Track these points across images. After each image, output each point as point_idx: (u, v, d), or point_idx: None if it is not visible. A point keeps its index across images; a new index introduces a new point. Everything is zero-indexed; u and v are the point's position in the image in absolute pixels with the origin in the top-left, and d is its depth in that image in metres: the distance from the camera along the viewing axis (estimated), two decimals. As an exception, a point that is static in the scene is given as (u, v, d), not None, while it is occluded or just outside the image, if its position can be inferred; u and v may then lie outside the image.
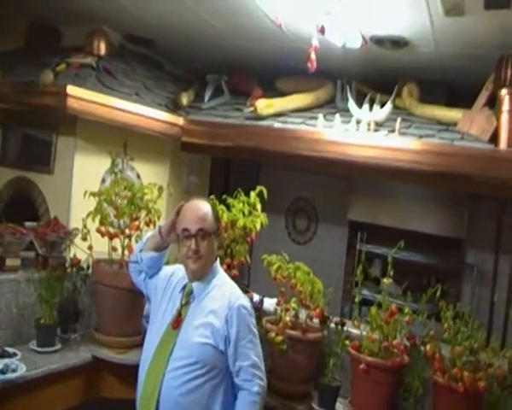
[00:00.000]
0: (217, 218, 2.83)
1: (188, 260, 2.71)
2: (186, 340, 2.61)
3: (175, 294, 2.80)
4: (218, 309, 2.64)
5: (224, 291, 2.72)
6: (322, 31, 3.50)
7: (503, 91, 4.00)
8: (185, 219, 2.75)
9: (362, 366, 3.27)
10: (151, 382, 2.62)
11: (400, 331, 3.36)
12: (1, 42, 5.05)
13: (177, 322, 2.67)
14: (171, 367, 2.59)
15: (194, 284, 2.73)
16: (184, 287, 2.77)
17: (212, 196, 3.71)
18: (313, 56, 3.54)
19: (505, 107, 3.99)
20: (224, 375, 2.63)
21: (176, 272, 2.92)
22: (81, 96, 4.09)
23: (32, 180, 4.53)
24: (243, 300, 2.72)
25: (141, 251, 3.01)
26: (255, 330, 2.71)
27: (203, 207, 2.78)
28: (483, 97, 4.23)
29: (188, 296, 2.72)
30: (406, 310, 3.34)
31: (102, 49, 4.76)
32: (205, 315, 2.64)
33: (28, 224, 3.93)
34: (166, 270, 3.00)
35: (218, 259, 2.89)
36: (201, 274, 2.72)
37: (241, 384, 2.61)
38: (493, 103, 4.15)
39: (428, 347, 3.24)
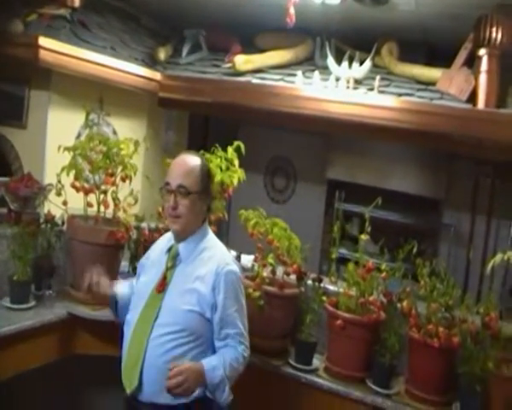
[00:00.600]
0: (206, 176, 2.59)
1: (168, 218, 2.56)
2: (171, 306, 2.47)
3: (161, 256, 2.64)
4: (205, 275, 2.48)
5: (212, 255, 2.55)
6: (301, -18, 3.44)
7: (482, 51, 4.00)
8: (169, 172, 2.56)
9: (339, 322, 3.28)
10: (135, 349, 2.48)
11: (377, 288, 3.38)
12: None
13: (162, 285, 2.51)
14: (155, 334, 2.45)
15: (181, 246, 2.56)
16: (170, 249, 2.61)
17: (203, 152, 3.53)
18: (292, 11, 3.49)
19: (483, 67, 4.00)
20: (211, 343, 2.50)
21: (161, 239, 2.82)
22: (54, 49, 3.98)
23: (4, 135, 4.42)
24: (232, 265, 2.55)
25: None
26: (243, 298, 2.58)
27: (190, 161, 2.57)
28: (462, 57, 4.23)
29: (174, 259, 2.56)
30: (383, 266, 3.35)
31: (76, 0, 4.61)
32: (191, 281, 2.48)
33: (0, 179, 3.85)
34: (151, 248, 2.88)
35: (207, 220, 2.70)
36: (184, 234, 2.56)
37: (227, 344, 2.51)
38: (472, 63, 4.15)
39: (405, 303, 3.26)
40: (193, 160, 2.58)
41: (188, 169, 2.53)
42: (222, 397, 2.42)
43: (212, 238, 2.65)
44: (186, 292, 2.47)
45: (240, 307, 2.54)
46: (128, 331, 2.57)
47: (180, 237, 2.58)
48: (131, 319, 2.57)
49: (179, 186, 2.48)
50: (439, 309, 3.17)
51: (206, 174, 2.58)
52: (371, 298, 3.33)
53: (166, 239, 2.72)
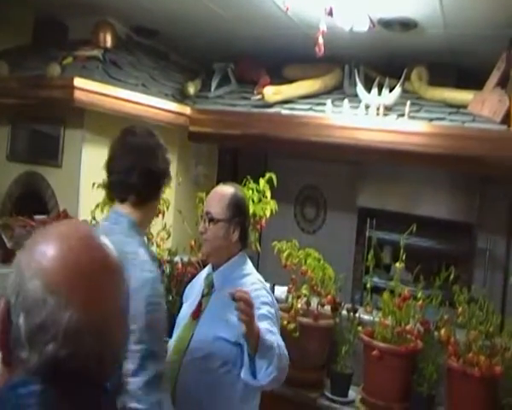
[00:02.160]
0: (237, 205, 2.63)
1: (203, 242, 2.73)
2: (203, 333, 2.51)
3: (200, 284, 2.72)
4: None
5: (245, 282, 2.56)
6: (330, 13, 3.46)
7: (516, 71, 3.95)
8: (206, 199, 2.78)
9: (375, 352, 3.23)
10: (171, 373, 2.50)
11: (413, 316, 3.32)
12: (9, 38, 5.05)
13: (197, 312, 2.58)
14: (187, 359, 2.49)
15: (216, 274, 2.63)
16: (208, 276, 2.69)
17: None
18: (321, 41, 3.51)
19: (518, 87, 3.94)
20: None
21: (205, 269, 2.86)
22: (88, 88, 4.10)
23: (40, 174, 4.54)
24: (262, 292, 2.53)
25: None
26: (276, 322, 2.50)
27: (221, 190, 2.69)
28: (494, 77, 4.16)
29: (209, 286, 2.63)
30: (419, 294, 3.30)
31: (108, 41, 4.74)
32: (222, 307, 2.47)
33: (38, 217, 3.93)
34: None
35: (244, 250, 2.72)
36: (213, 259, 2.65)
37: None
38: (505, 83, 4.08)
39: (443, 331, 3.19)
40: (225, 189, 2.70)
41: (217, 198, 2.65)
42: (264, 373, 2.22)
43: (248, 267, 2.68)
44: (217, 319, 2.49)
45: (272, 323, 2.42)
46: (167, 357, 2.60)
47: (213, 263, 2.66)
48: (170, 344, 2.64)
49: (206, 213, 2.61)
50: (479, 337, 3.10)
51: (236, 203, 2.63)
52: (408, 327, 3.28)
53: (208, 268, 2.77)
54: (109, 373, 1.07)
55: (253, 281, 2.57)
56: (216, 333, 2.46)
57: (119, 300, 1.06)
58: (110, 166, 2.37)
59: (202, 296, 2.62)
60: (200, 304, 2.59)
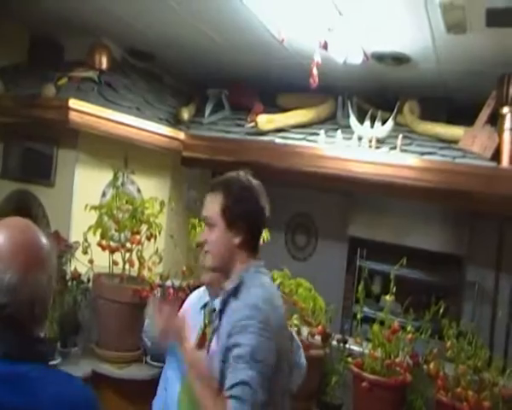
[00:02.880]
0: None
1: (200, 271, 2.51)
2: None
3: (195, 313, 2.55)
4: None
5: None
6: (325, 47, 3.51)
7: (505, 109, 4.02)
8: None
9: (364, 383, 3.24)
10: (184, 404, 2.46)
11: (403, 349, 3.34)
12: (5, 56, 5.04)
13: (202, 343, 2.47)
14: None
15: (216, 302, 2.45)
16: (205, 305, 2.53)
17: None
18: (315, 72, 3.56)
19: (507, 124, 4.01)
20: None
21: (190, 298, 2.76)
22: (83, 110, 4.10)
23: (32, 193, 4.52)
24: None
25: None
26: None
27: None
28: (485, 115, 4.24)
29: (210, 315, 2.49)
30: (409, 328, 3.33)
31: (104, 62, 4.75)
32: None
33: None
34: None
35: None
36: (214, 289, 2.47)
37: None
38: (495, 121, 4.17)
39: (432, 365, 3.22)
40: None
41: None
42: None
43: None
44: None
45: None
46: (170, 388, 2.54)
47: (211, 291, 2.53)
48: (172, 376, 2.55)
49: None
50: (467, 372, 3.13)
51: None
52: (397, 360, 3.30)
53: (198, 295, 2.70)
54: (39, 322, 1.55)
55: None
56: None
57: (47, 267, 1.54)
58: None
59: (205, 326, 2.49)
60: (203, 334, 2.47)
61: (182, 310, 2.81)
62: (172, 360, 2.61)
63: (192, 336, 2.56)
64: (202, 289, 2.70)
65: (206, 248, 2.22)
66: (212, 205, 2.21)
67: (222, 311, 2.20)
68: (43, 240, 1.57)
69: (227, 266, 2.23)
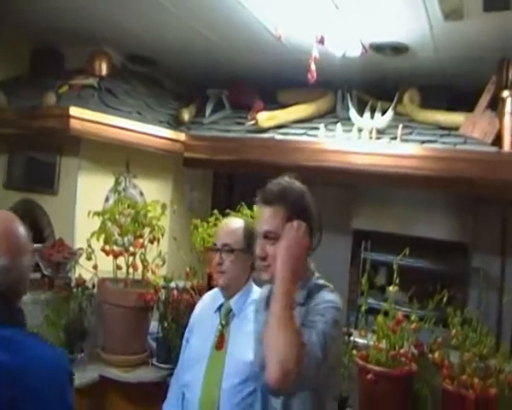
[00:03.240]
0: (249, 236, 2.69)
1: (215, 274, 2.76)
2: (236, 359, 2.61)
3: (209, 315, 2.79)
4: None
5: None
6: (321, 41, 3.50)
7: (505, 93, 3.98)
8: (217, 233, 2.88)
9: (370, 375, 3.22)
10: (208, 406, 2.62)
11: (407, 339, 3.31)
12: (6, 69, 5.10)
13: (222, 343, 2.67)
14: (226, 387, 2.59)
15: (233, 302, 2.73)
16: (220, 307, 2.77)
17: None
18: (313, 67, 3.56)
19: (508, 108, 3.97)
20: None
21: (202, 301, 2.95)
22: (84, 117, 4.12)
23: (36, 202, 4.55)
24: None
25: None
26: None
27: (234, 223, 2.86)
28: (485, 100, 4.20)
29: (227, 316, 2.73)
30: (413, 317, 3.31)
31: (104, 69, 4.79)
32: (247, 331, 2.55)
33: (34, 246, 3.94)
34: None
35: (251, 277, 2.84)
36: (230, 290, 2.73)
37: None
38: (495, 106, 4.13)
39: (437, 354, 3.19)
40: (236, 221, 2.87)
41: (231, 230, 2.78)
42: None
43: (257, 292, 2.71)
44: (245, 344, 2.52)
45: None
46: (191, 391, 2.69)
47: (227, 292, 2.74)
48: (193, 379, 2.69)
49: (224, 245, 2.71)
50: (473, 359, 3.10)
51: (249, 234, 2.73)
52: (402, 350, 3.27)
53: (211, 298, 2.87)
54: (20, 296, 1.87)
55: None
56: (248, 357, 2.43)
57: (27, 251, 1.87)
58: None
59: (222, 327, 2.70)
60: (221, 335, 2.68)
61: (195, 313, 2.89)
62: (193, 364, 2.68)
63: (207, 338, 2.66)
64: (214, 291, 2.80)
65: (267, 262, 2.16)
66: (274, 219, 2.16)
67: None
68: (23, 228, 1.89)
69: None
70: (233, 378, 2.59)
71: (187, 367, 2.79)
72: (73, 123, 4.06)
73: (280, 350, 1.79)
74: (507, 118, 3.98)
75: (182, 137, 5.02)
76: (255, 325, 2.37)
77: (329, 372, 2.02)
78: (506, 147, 3.95)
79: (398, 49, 4.18)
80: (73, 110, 4.05)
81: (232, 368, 2.60)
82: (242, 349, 2.57)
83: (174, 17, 4.02)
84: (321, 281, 2.23)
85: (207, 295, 2.99)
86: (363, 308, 3.55)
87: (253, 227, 2.73)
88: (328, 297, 2.09)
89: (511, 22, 3.50)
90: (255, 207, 3.71)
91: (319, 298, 2.08)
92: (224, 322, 2.72)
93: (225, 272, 2.71)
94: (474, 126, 4.19)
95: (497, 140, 4.03)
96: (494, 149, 4.02)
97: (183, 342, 2.97)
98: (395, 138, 4.34)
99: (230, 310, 2.74)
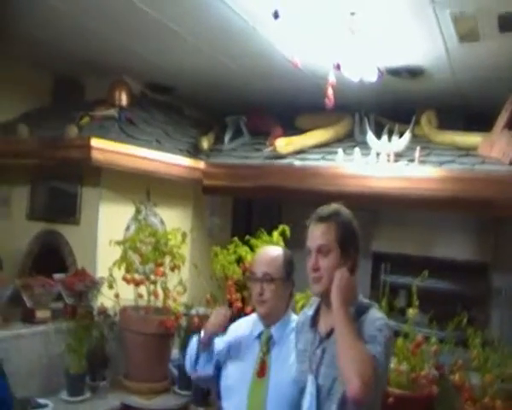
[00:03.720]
0: (289, 264, 2.76)
1: (255, 303, 2.74)
2: (279, 386, 2.61)
3: (248, 341, 2.78)
4: None
5: None
6: (338, 68, 3.53)
7: (523, 111, 3.98)
8: (254, 262, 2.83)
9: (390, 399, 3.20)
10: None
11: (428, 361, 3.30)
12: (29, 101, 5.22)
13: (263, 370, 2.67)
14: None
15: (274, 331, 2.72)
16: (260, 334, 2.76)
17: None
18: (330, 92, 3.58)
19: (526, 128, 3.98)
20: None
21: (238, 326, 2.92)
22: (104, 148, 4.18)
23: (59, 232, 4.61)
24: None
25: (194, 369, 2.83)
26: None
27: (273, 251, 2.82)
28: (502, 119, 4.21)
29: (268, 343, 2.72)
30: (433, 340, 3.29)
31: (124, 99, 4.88)
32: (289, 357, 2.62)
33: (56, 276, 4.00)
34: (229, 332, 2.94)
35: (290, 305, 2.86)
36: (270, 319, 2.72)
37: None
38: (514, 125, 4.12)
39: (457, 376, 3.17)
40: (275, 250, 2.84)
41: (271, 258, 2.74)
42: None
43: (295, 319, 2.75)
44: (288, 369, 2.58)
45: None
46: (237, 394, 2.69)
47: (267, 321, 2.72)
48: (235, 406, 2.70)
49: (264, 274, 2.68)
50: (494, 381, 3.08)
51: (288, 262, 2.75)
52: (423, 373, 3.25)
53: (247, 325, 2.84)
54: None
55: None
56: (291, 384, 2.52)
57: None
58: None
59: (263, 354, 2.69)
60: (263, 362, 2.67)
61: (229, 338, 2.87)
62: (233, 391, 2.69)
63: (247, 365, 2.67)
64: (251, 318, 2.81)
65: (318, 274, 2.30)
66: (327, 234, 2.31)
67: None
68: None
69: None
70: (277, 405, 2.59)
71: (226, 393, 2.79)
72: (95, 153, 4.12)
73: (357, 365, 1.97)
74: (525, 137, 3.98)
75: (201, 164, 5.07)
76: (298, 344, 2.48)
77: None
78: (525, 167, 3.95)
79: (414, 72, 4.21)
80: (95, 141, 4.11)
81: (275, 395, 2.61)
82: (285, 376, 2.59)
83: (192, 46, 4.10)
84: (366, 300, 2.36)
85: (243, 321, 2.96)
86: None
87: (291, 255, 2.83)
88: (380, 315, 2.26)
89: (527, 41, 3.52)
90: (274, 234, 3.76)
91: (371, 315, 2.23)
92: (265, 349, 2.72)
93: (266, 302, 2.68)
94: (491, 147, 4.18)
95: (516, 159, 4.01)
96: (512, 168, 4.00)
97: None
98: (413, 161, 4.34)
99: (271, 337, 2.73)
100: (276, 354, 2.69)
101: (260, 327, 2.76)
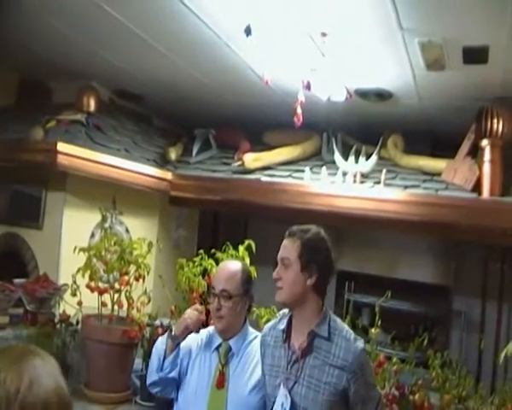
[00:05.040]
0: (247, 280, 2.79)
1: (213, 318, 2.77)
2: (237, 397, 2.64)
3: (205, 353, 2.80)
4: (258, 361, 2.67)
5: (257, 345, 2.72)
6: (308, 87, 3.58)
7: (484, 142, 4.11)
8: (215, 277, 2.85)
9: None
10: None
11: (389, 381, 3.35)
12: (-7, 100, 5.14)
13: (222, 382, 2.68)
14: None
15: (232, 343, 2.75)
16: (218, 346, 2.78)
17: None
18: (299, 111, 3.62)
19: (486, 157, 4.11)
20: None
21: (199, 336, 2.91)
22: (71, 153, 4.15)
23: (21, 236, 4.56)
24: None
25: (160, 370, 2.80)
26: None
27: (232, 267, 2.83)
28: (465, 147, 4.33)
29: (226, 355, 2.74)
30: (394, 360, 3.35)
31: (92, 105, 4.82)
32: (250, 371, 2.68)
33: (17, 281, 3.94)
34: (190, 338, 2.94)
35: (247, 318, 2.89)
36: (227, 333, 2.75)
37: None
38: (475, 153, 4.25)
39: (417, 396, 3.23)
40: (234, 265, 2.84)
41: (229, 274, 2.75)
42: None
43: (252, 333, 2.83)
44: (246, 379, 2.65)
45: None
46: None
47: (225, 335, 2.75)
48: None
49: (222, 290, 2.69)
50: (452, 401, 3.16)
51: (246, 278, 2.78)
52: (383, 392, 3.30)
53: (208, 335, 2.85)
54: None
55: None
56: (251, 391, 2.63)
57: None
58: None
59: (222, 366, 2.71)
60: (221, 374, 2.69)
61: (192, 345, 2.88)
62: (192, 401, 2.71)
63: (204, 376, 2.68)
64: (209, 331, 2.83)
65: (279, 284, 2.41)
66: (290, 248, 2.42)
67: (309, 348, 2.35)
68: None
69: (297, 302, 2.41)
70: None
71: (185, 404, 2.78)
72: (61, 158, 4.08)
73: None
74: (486, 166, 4.11)
75: (168, 175, 5.07)
76: (267, 359, 2.50)
77: None
78: (485, 194, 4.07)
79: (382, 96, 4.30)
80: (61, 146, 4.08)
81: (234, 406, 2.64)
82: (243, 388, 2.64)
83: (163, 57, 4.11)
84: (338, 318, 2.47)
85: (205, 332, 2.96)
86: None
87: (249, 271, 2.89)
88: (358, 346, 2.31)
89: (489, 75, 3.66)
90: (240, 248, 3.78)
91: (350, 347, 2.29)
92: (223, 361, 2.74)
93: (223, 317, 2.71)
94: (455, 173, 4.30)
95: (477, 187, 4.14)
96: (474, 195, 4.13)
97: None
98: (379, 183, 4.42)
99: (230, 350, 2.76)
100: (234, 365, 2.72)
101: (218, 339, 2.79)
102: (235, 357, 2.73)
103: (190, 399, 2.74)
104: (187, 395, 2.77)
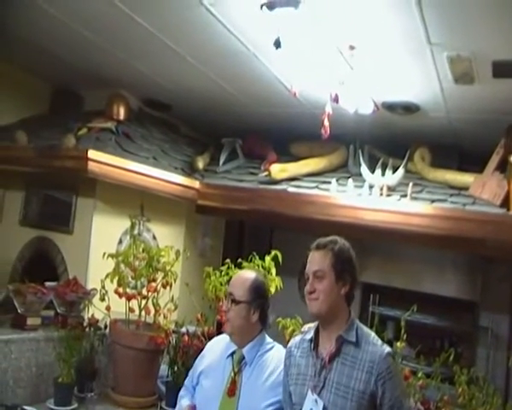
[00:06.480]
0: (257, 289, 2.86)
1: (224, 320, 2.91)
2: (250, 406, 2.68)
3: (221, 361, 2.86)
4: (274, 370, 2.74)
5: (273, 355, 2.81)
6: (336, 100, 3.60)
7: (513, 157, 4.08)
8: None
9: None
10: None
11: (414, 396, 3.34)
12: (27, 108, 5.25)
13: (233, 389, 2.73)
14: None
15: (245, 351, 2.80)
16: (233, 354, 2.83)
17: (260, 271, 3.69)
18: (326, 123, 3.64)
19: (516, 172, 4.07)
20: None
21: (215, 344, 3.02)
22: (101, 160, 4.20)
23: (51, 240, 4.62)
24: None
25: None
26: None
27: (244, 275, 2.96)
28: (494, 162, 4.31)
29: (239, 363, 2.79)
30: (420, 374, 3.34)
31: (122, 113, 4.91)
32: (260, 377, 2.73)
33: (49, 284, 4.00)
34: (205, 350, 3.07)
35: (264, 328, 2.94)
36: (237, 338, 2.82)
37: None
38: (504, 168, 4.23)
39: (443, 412, 3.23)
40: (247, 274, 2.96)
41: (240, 281, 2.87)
42: None
43: (269, 343, 2.88)
44: (259, 389, 2.69)
45: None
46: None
47: (236, 340, 2.83)
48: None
49: (230, 294, 2.82)
50: (479, 419, 3.14)
51: (257, 287, 2.86)
52: (408, 406, 3.30)
53: (222, 344, 2.93)
54: None
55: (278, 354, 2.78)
56: (262, 402, 2.66)
57: None
58: None
59: (234, 374, 2.76)
60: (233, 381, 2.74)
61: (207, 354, 2.95)
62: (205, 386, 2.82)
63: (218, 382, 2.72)
64: (225, 338, 2.88)
65: (314, 296, 2.46)
66: (323, 260, 2.50)
67: (337, 353, 2.40)
68: None
69: (331, 311, 2.46)
70: None
71: (200, 407, 2.84)
72: (91, 165, 4.14)
73: None
74: (515, 181, 4.08)
75: (196, 184, 5.10)
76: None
77: None
78: (514, 210, 4.04)
79: (409, 109, 4.31)
80: (92, 153, 4.13)
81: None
82: (254, 397, 2.67)
83: (192, 66, 4.18)
84: (364, 326, 2.55)
85: (221, 339, 3.03)
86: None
87: (265, 281, 2.98)
88: (385, 349, 2.38)
89: (519, 89, 3.64)
90: (267, 259, 3.80)
91: (376, 351, 2.36)
92: (236, 369, 2.78)
93: (229, 321, 2.81)
94: (483, 188, 4.27)
95: (506, 202, 4.11)
96: (502, 211, 4.10)
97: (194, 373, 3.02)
98: (405, 196, 4.41)
99: (243, 358, 2.80)
100: (247, 374, 2.76)
101: (233, 346, 2.84)
102: (248, 366, 2.78)
103: (203, 405, 2.81)
104: (200, 401, 2.84)
